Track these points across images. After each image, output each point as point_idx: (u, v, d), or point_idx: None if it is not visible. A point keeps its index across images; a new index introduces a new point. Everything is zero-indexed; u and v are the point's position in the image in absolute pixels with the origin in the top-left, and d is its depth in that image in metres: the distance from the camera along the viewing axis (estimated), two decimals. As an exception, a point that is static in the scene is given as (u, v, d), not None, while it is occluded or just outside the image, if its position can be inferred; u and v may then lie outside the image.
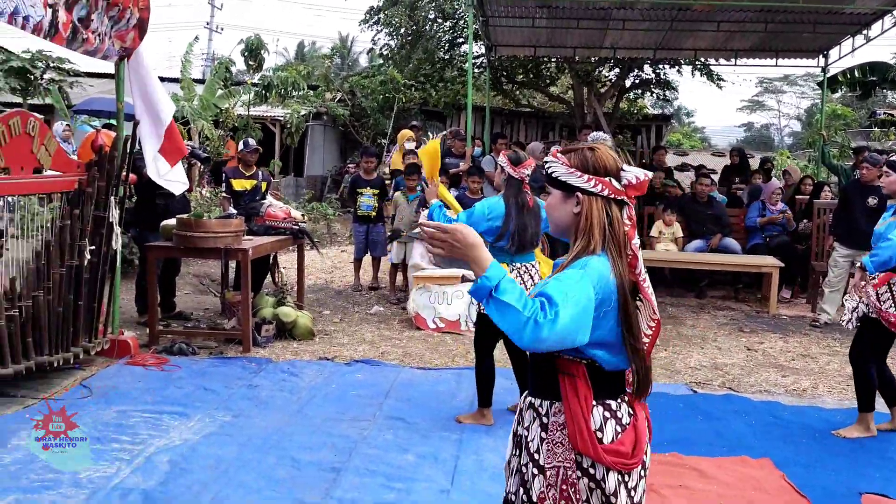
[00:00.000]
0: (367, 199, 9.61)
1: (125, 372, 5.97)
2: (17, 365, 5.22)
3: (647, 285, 2.16)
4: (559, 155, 2.23)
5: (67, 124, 15.03)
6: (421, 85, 18.70)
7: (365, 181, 9.72)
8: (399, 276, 9.33)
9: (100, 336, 6.13)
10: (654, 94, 19.50)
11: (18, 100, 17.58)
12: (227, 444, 4.64)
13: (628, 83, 18.45)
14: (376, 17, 18.44)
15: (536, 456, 2.19)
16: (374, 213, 9.62)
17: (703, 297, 10.00)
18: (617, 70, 18.02)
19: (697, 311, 9.17)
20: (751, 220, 10.37)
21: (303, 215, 8.70)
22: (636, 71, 18.11)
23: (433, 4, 17.79)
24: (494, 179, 5.51)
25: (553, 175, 2.22)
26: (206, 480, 4.12)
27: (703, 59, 16.40)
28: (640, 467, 2.17)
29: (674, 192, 11.11)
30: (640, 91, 19.27)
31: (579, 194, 2.18)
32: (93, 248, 5.83)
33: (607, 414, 2.14)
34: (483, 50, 14.87)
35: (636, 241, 2.17)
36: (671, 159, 17.53)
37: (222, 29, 37.60)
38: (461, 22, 16.33)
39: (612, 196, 2.17)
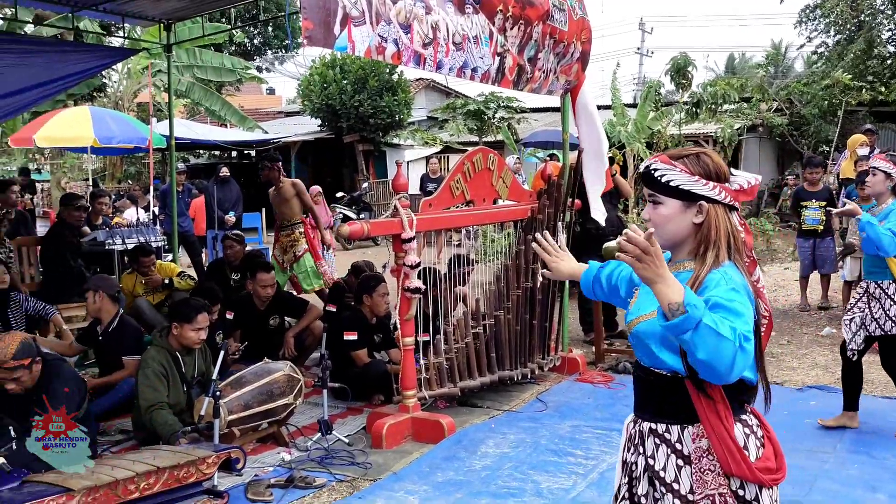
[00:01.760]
0: (812, 213, 8.87)
1: (575, 388, 6.18)
2: (482, 378, 5.69)
3: (763, 288, 2.09)
4: (673, 161, 2.03)
5: (517, 157, 16.25)
6: (870, 84, 16.84)
7: (809, 193, 8.98)
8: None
9: (552, 353, 6.44)
10: None
11: (475, 139, 19.48)
12: (677, 466, 4.53)
13: None
14: (812, 15, 17.08)
15: (677, 486, 2.00)
16: (821, 227, 8.84)
17: None
18: None
19: None
20: None
21: (742, 232, 8.28)
22: None
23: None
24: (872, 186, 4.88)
25: (671, 183, 2.02)
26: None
27: None
28: None
29: None
30: None
31: (703, 203, 2.01)
32: (544, 270, 6.13)
33: (746, 430, 2.01)
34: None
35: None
36: None
37: (653, 52, 37.83)
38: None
39: (731, 202, 2.04)
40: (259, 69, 30.74)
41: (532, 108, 21.30)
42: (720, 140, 17.03)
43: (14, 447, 3.89)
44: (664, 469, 2.04)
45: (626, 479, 2.16)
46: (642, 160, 13.70)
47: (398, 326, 5.28)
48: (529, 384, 6.24)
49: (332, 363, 5.27)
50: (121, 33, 9.55)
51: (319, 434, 4.94)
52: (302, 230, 8.09)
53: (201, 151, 25.24)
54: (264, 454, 4.79)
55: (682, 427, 2.03)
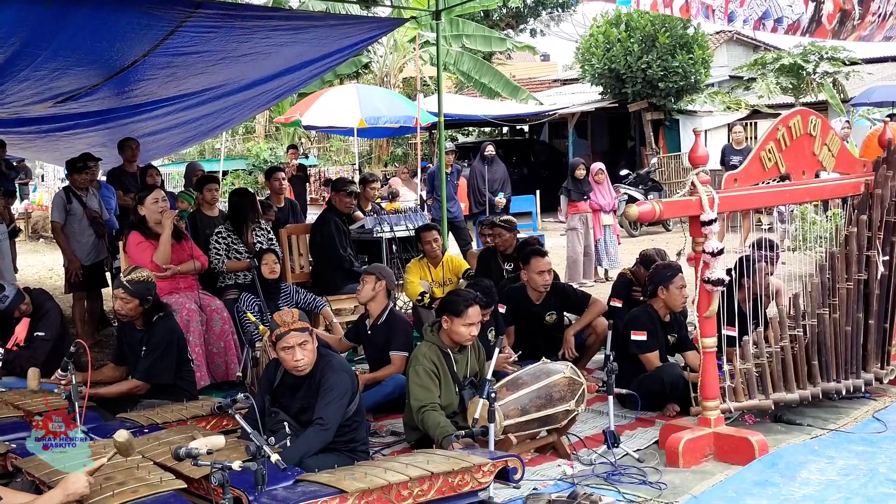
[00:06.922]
0: None
1: (926, 407, 5.69)
2: (801, 390, 5.40)
3: None
4: None
5: (846, 120, 15.16)
6: None
7: None
8: None
9: (893, 362, 5.95)
10: None
11: (790, 100, 18.42)
12: None
13: None
14: None
15: None
16: None
17: None
18: None
19: None
20: None
21: None
22: None
23: None
24: None
25: None
26: None
27: None
28: None
29: None
30: None
31: None
32: (885, 258, 5.69)
33: None
34: None
35: None
36: None
37: None
38: None
39: None
40: (532, 33, 31.31)
41: (865, 58, 19.73)
42: None
43: (288, 444, 4.29)
44: None
45: None
46: None
47: (696, 325, 5.16)
48: (863, 399, 5.84)
49: (618, 366, 5.26)
50: (388, 2, 10.17)
51: (605, 446, 4.96)
52: None
53: (470, 129, 26.22)
54: (543, 465, 4.90)
55: None
